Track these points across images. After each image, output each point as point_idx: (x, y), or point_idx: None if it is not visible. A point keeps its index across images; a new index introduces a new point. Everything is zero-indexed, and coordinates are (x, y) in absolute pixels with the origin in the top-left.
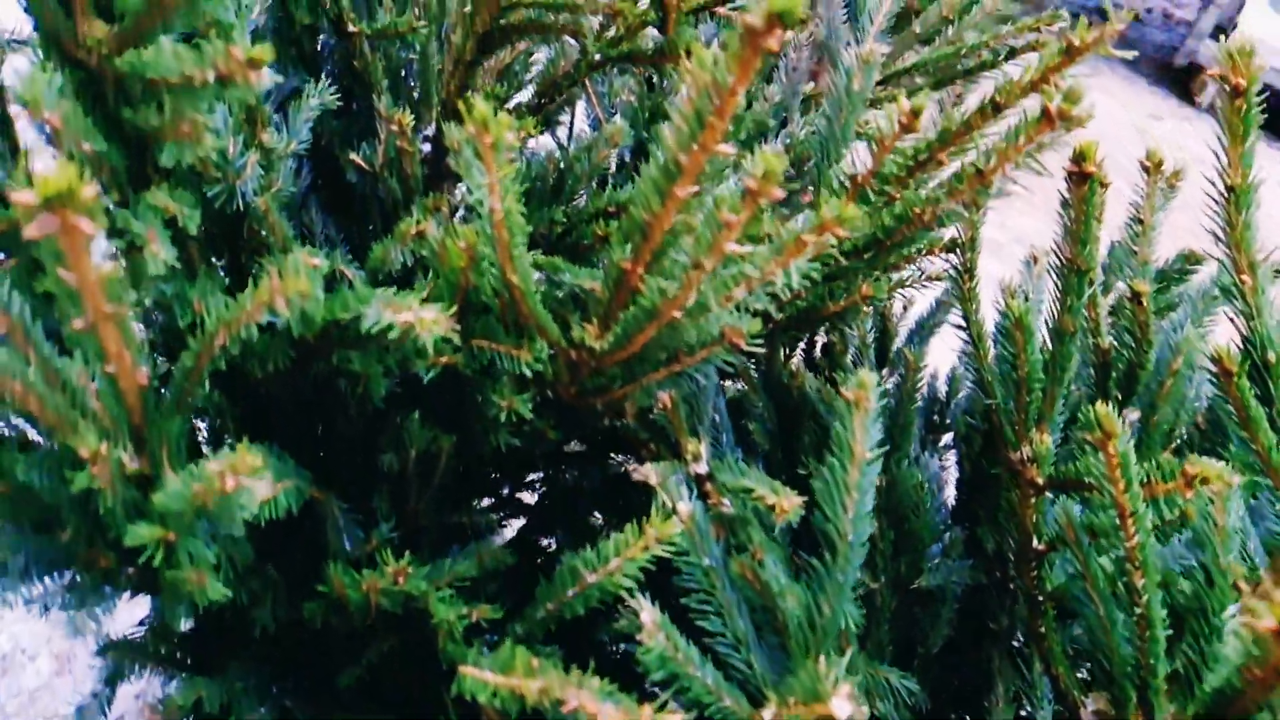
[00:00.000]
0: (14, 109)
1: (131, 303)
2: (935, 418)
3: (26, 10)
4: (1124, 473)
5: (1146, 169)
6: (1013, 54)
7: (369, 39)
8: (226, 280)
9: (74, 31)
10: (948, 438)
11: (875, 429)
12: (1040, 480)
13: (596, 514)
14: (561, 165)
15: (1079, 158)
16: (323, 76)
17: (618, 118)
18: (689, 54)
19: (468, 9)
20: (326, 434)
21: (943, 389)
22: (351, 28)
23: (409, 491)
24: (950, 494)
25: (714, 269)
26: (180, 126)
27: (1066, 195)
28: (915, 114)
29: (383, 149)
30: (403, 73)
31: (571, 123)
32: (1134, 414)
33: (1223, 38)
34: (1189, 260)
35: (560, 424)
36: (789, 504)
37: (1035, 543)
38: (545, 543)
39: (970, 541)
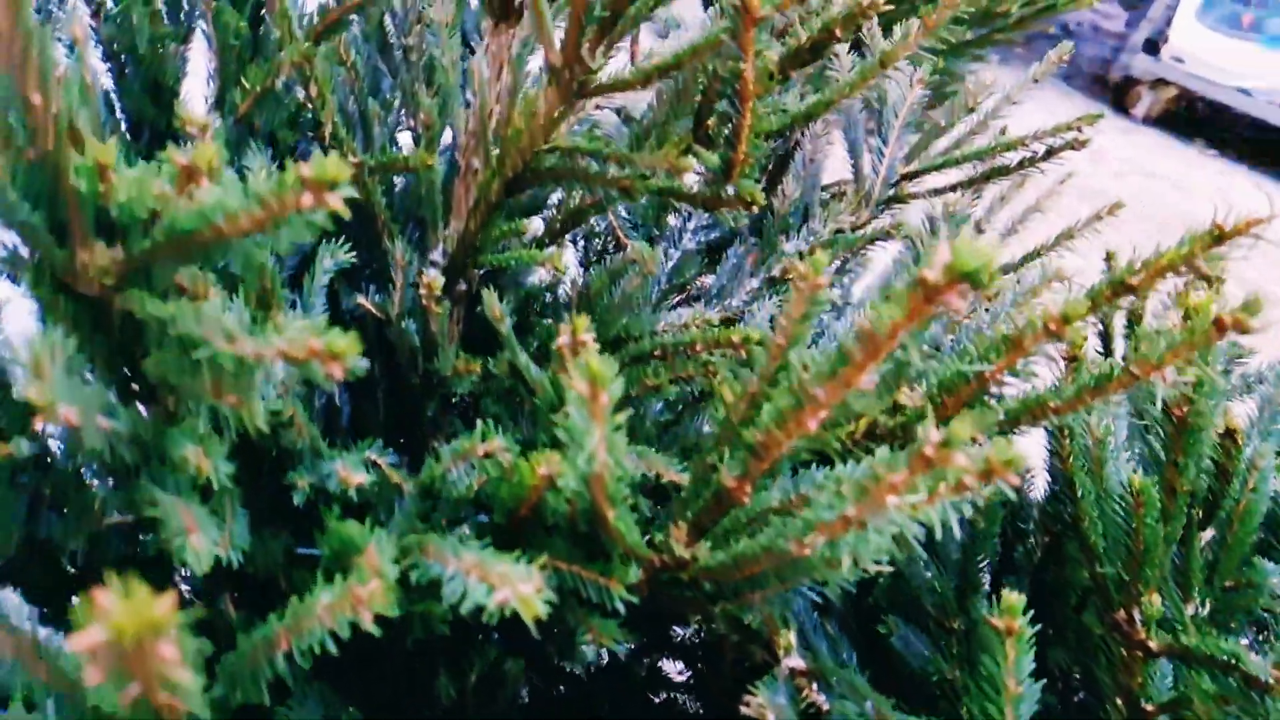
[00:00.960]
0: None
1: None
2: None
3: (17, 234)
4: None
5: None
6: (1050, 154)
7: (371, 170)
8: (240, 489)
9: (71, 261)
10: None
11: (1028, 659)
12: (1154, 645)
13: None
14: (585, 289)
15: (1191, 316)
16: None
17: (628, 225)
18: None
19: (495, 151)
20: (373, 651)
21: None
22: (352, 159)
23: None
24: None
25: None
26: (225, 397)
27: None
28: (1066, 321)
29: (398, 296)
30: (401, 193)
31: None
32: (1209, 533)
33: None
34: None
35: (637, 626)
36: None
37: (1144, 704)
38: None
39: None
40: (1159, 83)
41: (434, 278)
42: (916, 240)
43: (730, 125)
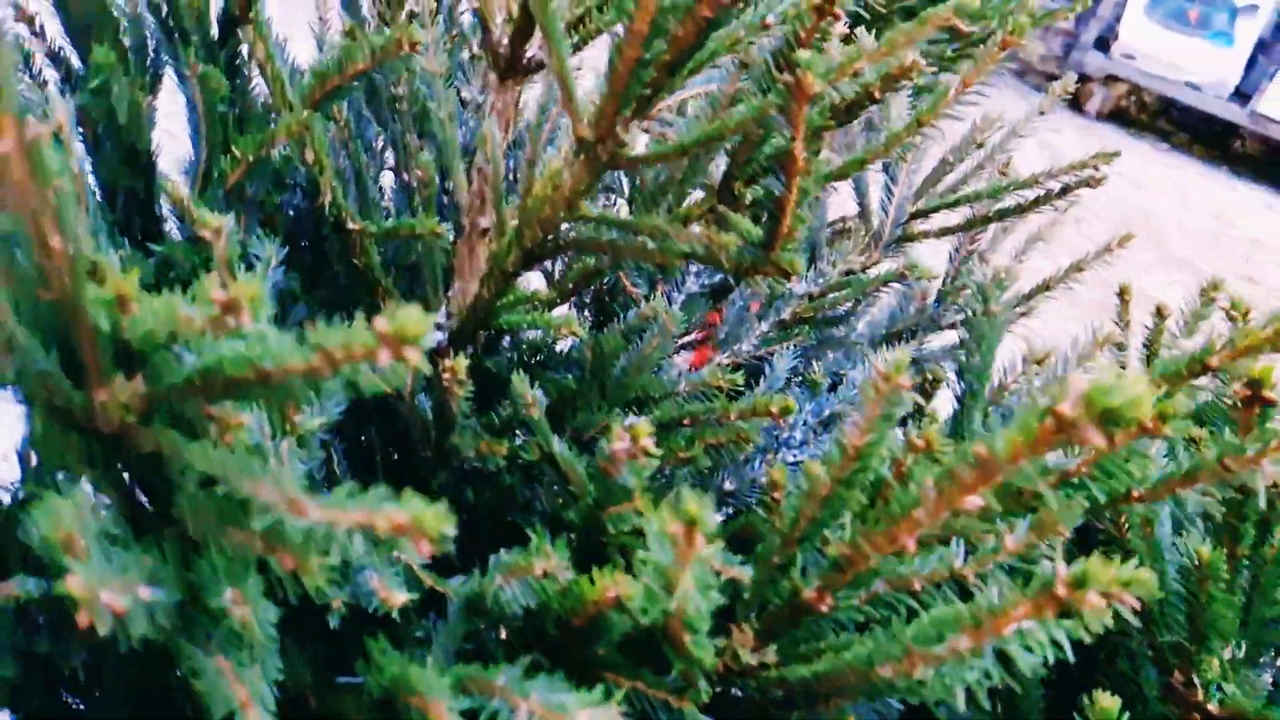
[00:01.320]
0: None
1: None
2: None
3: (26, 382)
4: None
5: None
6: (1065, 191)
7: (373, 238)
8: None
9: (86, 401)
10: None
11: None
12: (1214, 709)
13: None
14: (599, 350)
15: (1255, 383)
16: (286, 241)
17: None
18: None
19: (513, 221)
20: None
21: None
22: (351, 225)
23: None
24: None
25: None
26: (280, 557)
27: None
28: (1164, 419)
29: (410, 374)
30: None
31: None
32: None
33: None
34: None
35: None
36: None
37: None
38: None
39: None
40: (1110, 79)
41: (457, 361)
42: (965, 310)
43: (774, 198)
